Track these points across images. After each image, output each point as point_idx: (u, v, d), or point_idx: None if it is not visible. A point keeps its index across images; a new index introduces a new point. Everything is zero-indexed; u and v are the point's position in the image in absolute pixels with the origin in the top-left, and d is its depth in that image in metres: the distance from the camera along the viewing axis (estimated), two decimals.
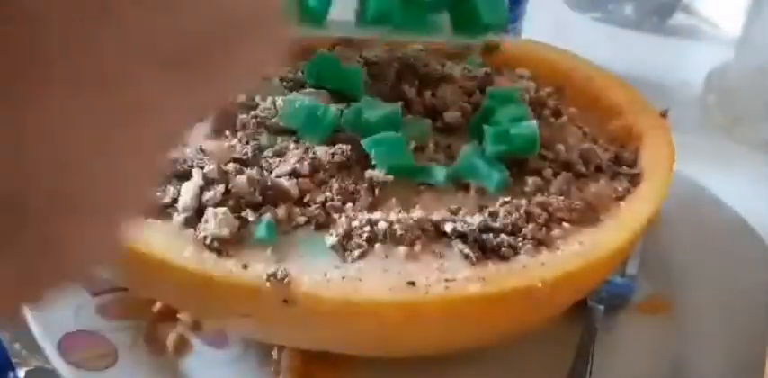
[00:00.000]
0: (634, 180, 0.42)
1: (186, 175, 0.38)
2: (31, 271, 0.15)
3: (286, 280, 0.34)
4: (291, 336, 0.38)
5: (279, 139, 0.41)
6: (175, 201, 0.37)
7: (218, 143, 0.40)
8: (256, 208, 0.37)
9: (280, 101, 0.42)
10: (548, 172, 0.41)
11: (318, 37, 0.46)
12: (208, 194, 0.37)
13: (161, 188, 0.38)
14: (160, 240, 0.35)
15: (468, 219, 0.37)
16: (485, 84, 0.46)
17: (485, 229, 0.37)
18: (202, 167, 0.38)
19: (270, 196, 0.38)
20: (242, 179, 0.37)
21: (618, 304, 0.48)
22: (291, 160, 0.39)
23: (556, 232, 0.37)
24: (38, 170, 0.14)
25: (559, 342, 0.44)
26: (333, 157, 0.39)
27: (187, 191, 0.37)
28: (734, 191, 0.53)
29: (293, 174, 0.38)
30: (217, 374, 0.43)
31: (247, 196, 0.37)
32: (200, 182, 0.37)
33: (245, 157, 0.39)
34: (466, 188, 0.39)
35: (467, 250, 0.36)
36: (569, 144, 0.43)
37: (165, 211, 0.37)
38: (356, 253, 0.35)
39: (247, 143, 0.40)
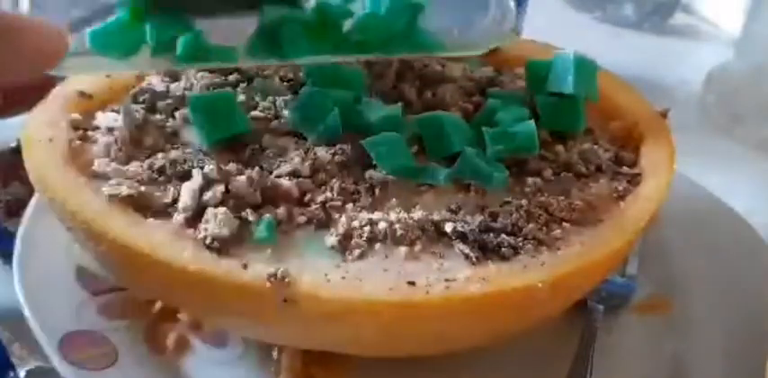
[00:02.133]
0: (634, 180, 0.42)
1: (186, 176, 0.38)
2: None
3: (286, 280, 0.34)
4: (291, 336, 0.38)
5: (279, 139, 0.41)
6: (175, 201, 0.37)
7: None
8: (256, 208, 0.37)
9: (280, 100, 0.42)
10: (548, 172, 0.41)
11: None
12: (208, 194, 0.37)
13: (161, 188, 0.38)
14: (160, 240, 0.35)
15: (469, 219, 0.37)
16: (490, 84, 0.46)
17: (485, 229, 0.37)
18: (202, 167, 0.38)
19: (270, 196, 0.38)
20: (242, 179, 0.37)
21: (618, 304, 0.48)
22: (292, 160, 0.39)
23: (556, 232, 0.37)
24: None
25: (559, 342, 0.44)
26: (333, 158, 0.39)
27: (187, 191, 0.37)
28: (734, 191, 0.53)
29: (294, 174, 0.38)
30: (217, 374, 0.43)
31: (247, 196, 0.37)
32: (201, 182, 0.37)
33: (245, 158, 0.39)
34: (466, 188, 0.39)
35: (467, 250, 0.36)
36: (569, 144, 0.43)
37: (165, 211, 0.37)
38: (356, 253, 0.35)
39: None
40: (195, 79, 0.44)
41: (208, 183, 0.37)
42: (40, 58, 0.25)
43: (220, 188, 0.37)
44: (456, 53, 0.45)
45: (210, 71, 0.46)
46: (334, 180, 0.38)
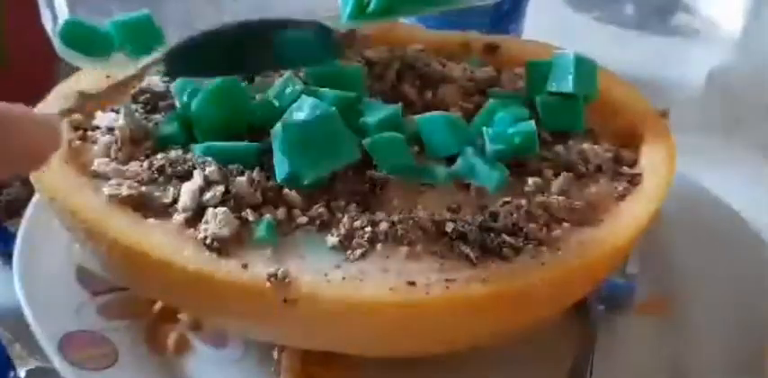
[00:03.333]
0: (634, 180, 0.42)
1: (186, 176, 0.38)
2: None
3: (286, 280, 0.34)
4: (291, 336, 0.38)
5: None
6: (175, 201, 0.37)
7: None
8: (256, 208, 0.37)
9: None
10: (548, 172, 0.41)
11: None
12: (208, 194, 0.37)
13: (161, 188, 0.38)
14: (160, 240, 0.35)
15: (469, 219, 0.37)
16: (490, 84, 0.46)
17: (485, 229, 0.37)
18: (203, 168, 0.38)
19: (271, 197, 0.38)
20: (242, 180, 0.37)
21: (618, 304, 0.48)
22: None
23: (556, 232, 0.37)
24: None
25: (559, 342, 0.44)
26: None
27: (187, 191, 0.37)
28: (734, 191, 0.53)
29: None
30: (217, 374, 0.43)
31: (248, 197, 0.37)
32: (201, 182, 0.37)
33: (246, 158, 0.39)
34: (466, 188, 0.39)
35: (467, 250, 0.36)
36: (569, 144, 0.43)
37: (165, 211, 0.37)
38: (357, 253, 0.35)
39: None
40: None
41: (208, 183, 0.37)
42: (28, 158, 0.23)
43: (220, 188, 0.37)
44: (469, 4, 0.47)
45: None
46: (334, 180, 0.38)
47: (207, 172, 0.37)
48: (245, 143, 0.39)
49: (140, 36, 0.40)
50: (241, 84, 0.41)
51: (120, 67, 0.42)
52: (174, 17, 0.43)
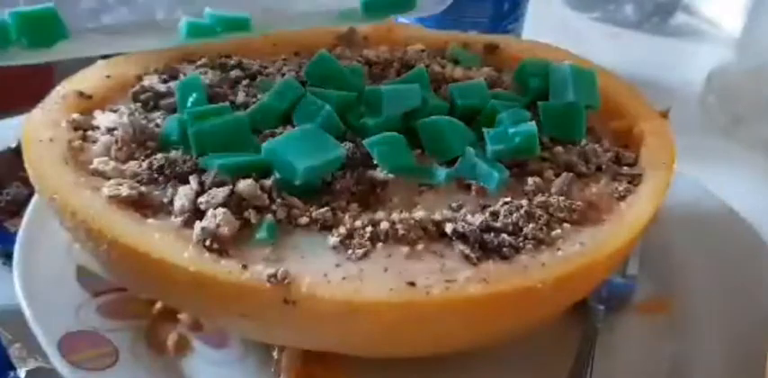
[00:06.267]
0: (634, 180, 0.42)
1: (186, 175, 0.38)
2: None
3: (286, 280, 0.34)
4: (291, 336, 0.38)
5: None
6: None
7: None
8: (258, 208, 0.37)
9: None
10: (548, 172, 0.41)
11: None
12: (209, 195, 0.37)
13: (161, 188, 0.38)
14: (160, 240, 0.35)
15: (470, 218, 0.37)
16: (491, 84, 0.46)
17: (486, 228, 0.37)
18: (204, 168, 0.38)
19: (271, 197, 0.37)
20: (245, 181, 0.37)
21: (618, 304, 0.48)
22: None
23: (556, 232, 0.37)
24: None
25: (559, 342, 0.44)
26: None
27: (187, 192, 0.37)
28: (734, 191, 0.53)
29: None
30: (217, 374, 0.43)
31: (250, 197, 0.37)
32: (201, 183, 0.37)
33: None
34: (467, 188, 0.39)
35: (467, 251, 0.36)
36: (569, 144, 0.43)
37: (165, 211, 0.37)
38: (358, 253, 0.35)
39: None
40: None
41: (208, 183, 0.37)
42: None
43: (222, 189, 0.37)
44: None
45: (212, 67, 0.46)
46: (335, 180, 0.38)
47: (208, 172, 0.37)
48: (249, 156, 0.39)
49: (42, 29, 0.40)
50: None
51: (16, 61, 0.42)
52: (81, 11, 0.43)
